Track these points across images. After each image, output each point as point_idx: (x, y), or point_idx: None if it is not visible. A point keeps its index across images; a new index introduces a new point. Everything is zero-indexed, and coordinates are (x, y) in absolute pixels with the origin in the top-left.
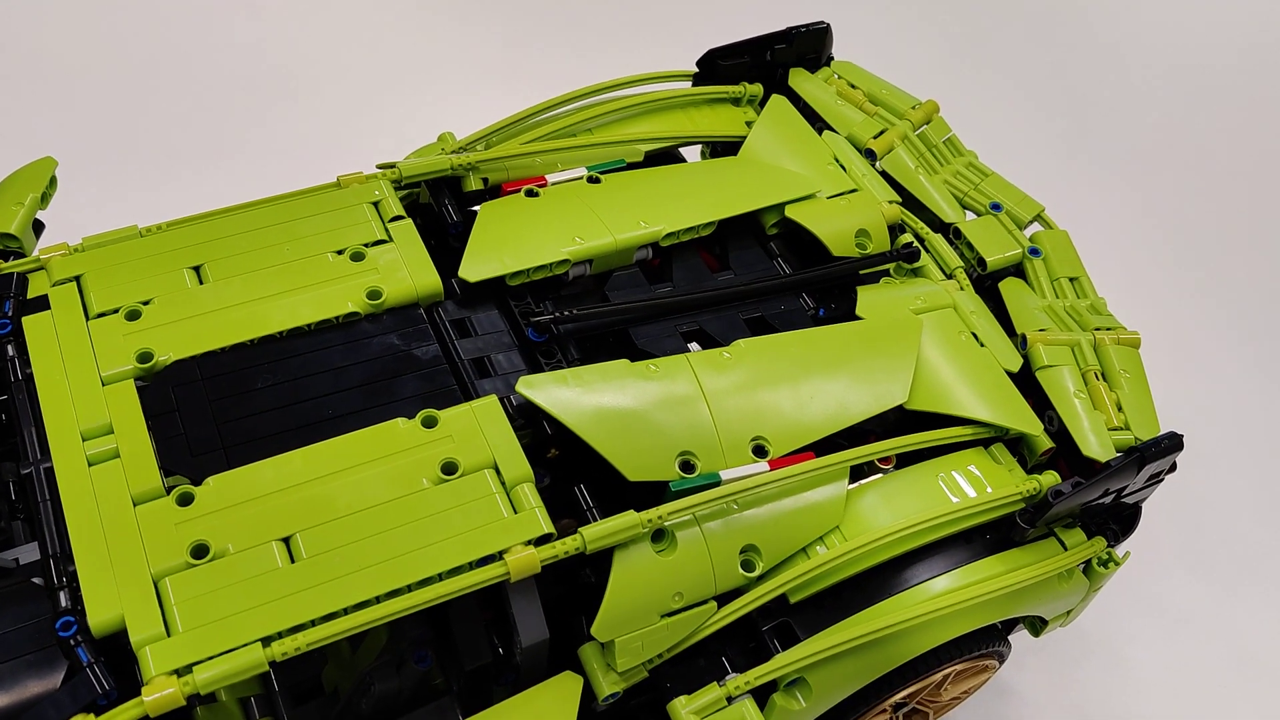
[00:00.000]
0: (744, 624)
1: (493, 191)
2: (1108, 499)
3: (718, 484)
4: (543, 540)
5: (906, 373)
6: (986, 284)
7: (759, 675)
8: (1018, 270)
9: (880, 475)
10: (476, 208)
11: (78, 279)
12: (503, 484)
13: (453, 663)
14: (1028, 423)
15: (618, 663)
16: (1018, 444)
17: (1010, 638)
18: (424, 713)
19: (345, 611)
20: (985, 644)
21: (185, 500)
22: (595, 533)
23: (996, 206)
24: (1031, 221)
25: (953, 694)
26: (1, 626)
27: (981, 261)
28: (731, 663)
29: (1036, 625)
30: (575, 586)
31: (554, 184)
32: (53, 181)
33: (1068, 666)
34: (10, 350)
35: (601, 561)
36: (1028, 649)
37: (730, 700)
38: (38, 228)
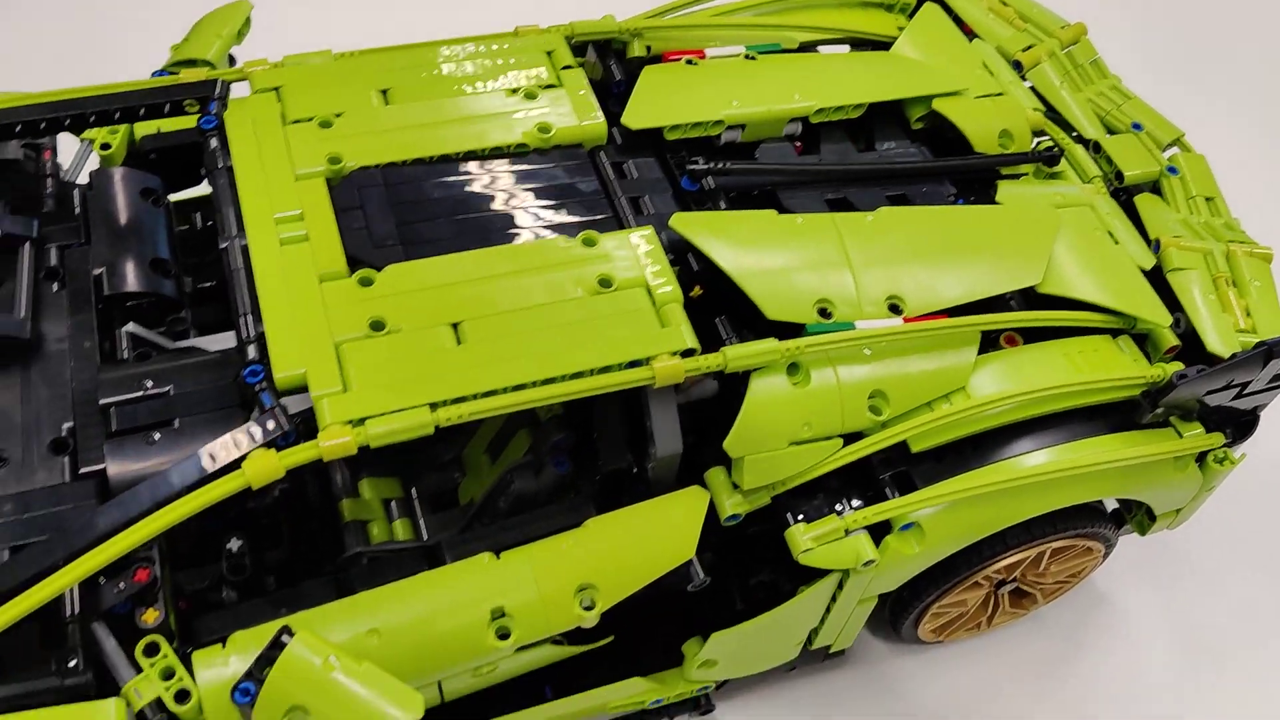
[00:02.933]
0: (863, 471)
1: (654, 59)
2: (1230, 393)
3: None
4: (687, 354)
5: (1042, 256)
6: (1122, 198)
7: (877, 513)
8: (1154, 189)
9: (1006, 350)
10: None
11: (277, 89)
12: (653, 302)
13: (588, 469)
14: (1156, 314)
15: (745, 479)
16: (1143, 342)
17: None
18: (560, 507)
19: (504, 391)
20: (1091, 522)
21: (366, 282)
22: (738, 352)
23: (1137, 126)
24: (1171, 145)
25: (1056, 576)
26: (184, 387)
27: (1119, 175)
28: (849, 504)
29: (1144, 522)
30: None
31: (712, 58)
32: (247, 22)
33: (1168, 586)
34: (214, 143)
35: (734, 388)
36: (1130, 565)
37: (847, 533)
38: (231, 61)
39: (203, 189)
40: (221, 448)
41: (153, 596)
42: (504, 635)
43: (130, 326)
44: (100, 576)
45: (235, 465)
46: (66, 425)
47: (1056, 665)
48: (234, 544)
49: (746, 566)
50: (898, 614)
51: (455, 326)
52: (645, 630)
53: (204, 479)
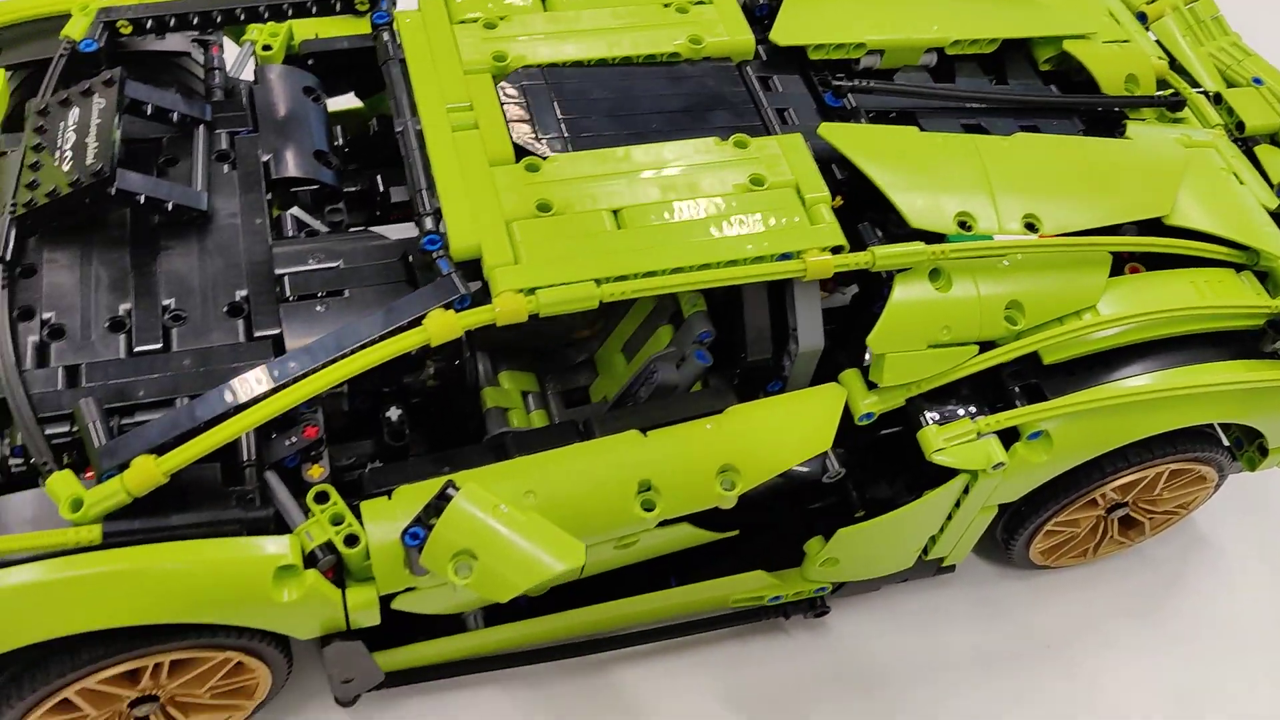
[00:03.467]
0: (993, 382)
1: None
2: None
3: None
4: (836, 251)
5: (1171, 190)
6: (1242, 148)
7: (1009, 418)
8: (1273, 141)
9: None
10: None
11: None
12: (803, 202)
13: (730, 363)
14: None
15: (884, 376)
16: (1264, 280)
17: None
18: (703, 393)
19: (662, 273)
20: (1208, 447)
21: (532, 169)
22: (885, 252)
23: (1258, 81)
24: None
25: (1166, 504)
26: (353, 263)
27: (1240, 125)
28: (980, 411)
29: (1255, 458)
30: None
31: None
32: None
33: (1269, 528)
34: (386, 36)
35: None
36: (1230, 507)
37: (979, 437)
38: None
39: (346, 102)
40: (404, 305)
41: (318, 454)
42: (649, 507)
43: (294, 210)
44: (272, 431)
45: (415, 324)
46: (240, 292)
47: (1159, 601)
48: (393, 413)
49: (872, 472)
50: (1013, 530)
51: (615, 213)
52: (768, 529)
53: (387, 334)
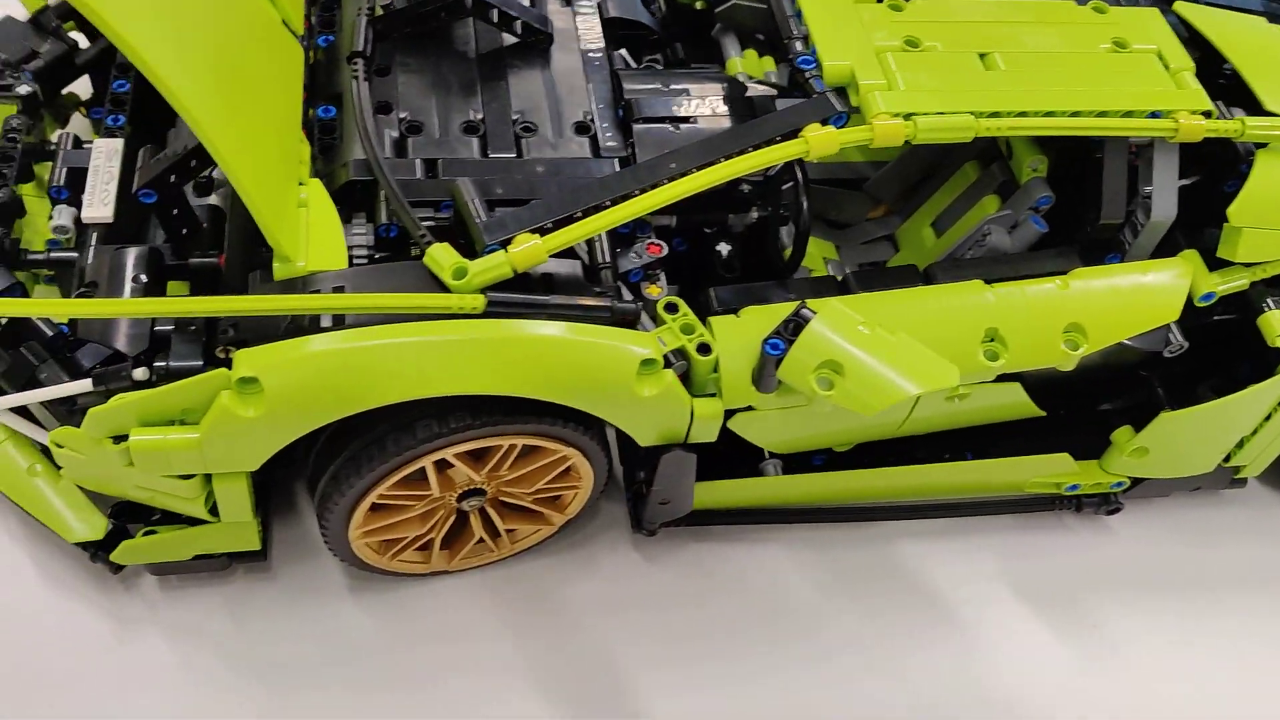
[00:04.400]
0: None
1: None
2: None
3: None
4: (1206, 116)
5: None
6: None
7: None
8: None
9: None
10: None
11: None
12: (1166, 68)
13: (1073, 224)
14: None
15: (1239, 251)
16: None
17: None
18: (1046, 253)
19: (1035, 115)
20: None
21: (896, 8)
22: (1256, 123)
23: None
24: None
25: None
26: (699, 92)
27: None
28: None
29: None
30: None
31: None
32: None
33: None
34: None
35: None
36: None
37: None
38: None
39: None
40: (781, 117)
41: (656, 274)
42: (992, 357)
43: (622, 50)
44: (616, 247)
45: (791, 136)
46: (585, 111)
47: None
48: (724, 248)
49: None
50: None
51: (982, 56)
52: (1069, 418)
53: (765, 142)
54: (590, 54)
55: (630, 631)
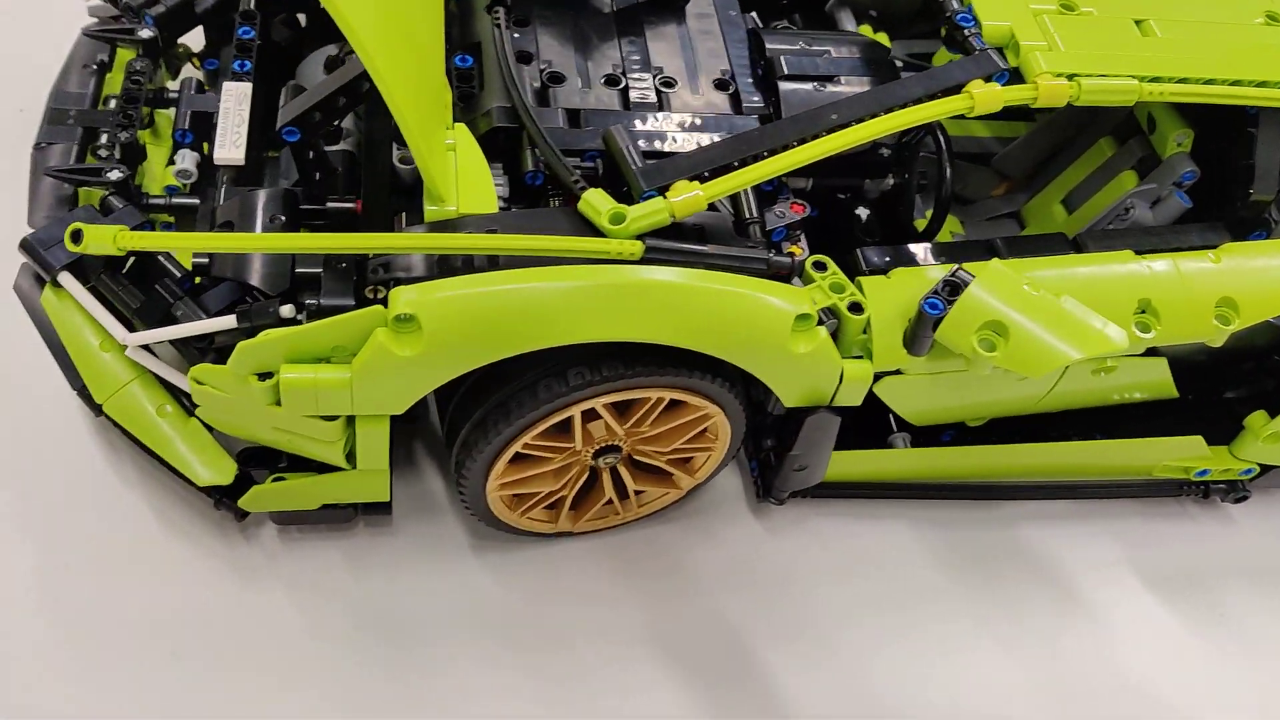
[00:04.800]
0: None
1: None
2: None
3: None
4: None
5: None
6: None
7: None
8: None
9: None
10: None
11: None
12: None
13: (1215, 200)
14: None
15: None
16: None
17: None
18: (1195, 226)
19: (1195, 81)
20: None
21: None
22: None
23: None
24: None
25: None
26: (840, 53)
27: None
28: None
29: None
30: None
31: None
32: None
33: None
34: None
35: None
36: None
37: None
38: None
39: None
40: (944, 72)
41: (798, 234)
42: (1144, 329)
43: (752, 13)
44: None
45: (954, 91)
46: (723, 68)
47: None
48: (863, 212)
49: None
50: None
51: (1138, 23)
52: (1199, 401)
53: (928, 95)
54: (724, 13)
55: (754, 603)
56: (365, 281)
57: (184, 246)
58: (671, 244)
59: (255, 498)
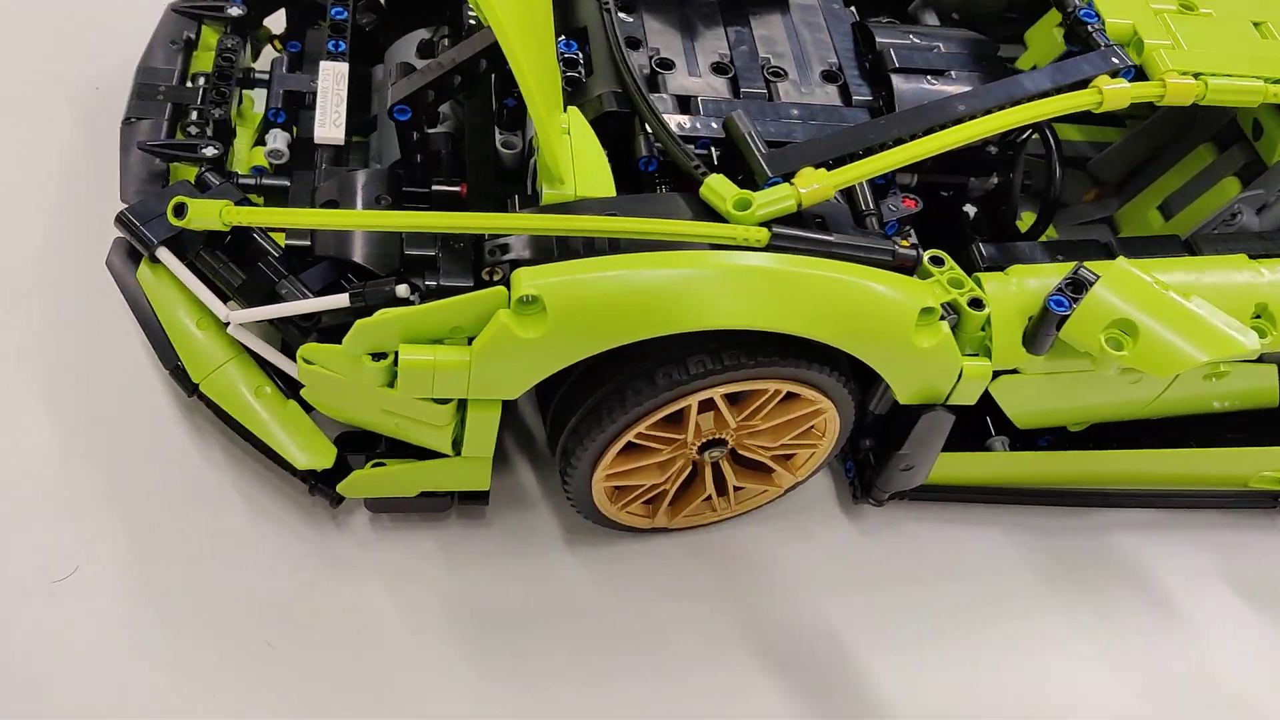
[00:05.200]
0: None
1: None
2: None
3: None
4: None
5: None
6: None
7: None
8: None
9: None
10: None
11: None
12: None
13: None
14: None
15: None
16: None
17: None
18: None
19: None
20: None
21: None
22: None
23: None
24: None
25: None
26: (949, 48)
27: None
28: None
29: None
30: None
31: None
32: None
33: None
34: None
35: None
36: None
37: None
38: None
39: None
40: (1070, 67)
41: (909, 230)
42: (1261, 334)
43: (851, 8)
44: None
45: (1080, 86)
46: (831, 61)
47: None
48: (970, 210)
49: None
50: None
51: (1256, 25)
52: None
53: (1054, 89)
54: (829, 4)
55: (848, 605)
56: (482, 263)
57: (294, 224)
58: (798, 232)
59: (354, 483)
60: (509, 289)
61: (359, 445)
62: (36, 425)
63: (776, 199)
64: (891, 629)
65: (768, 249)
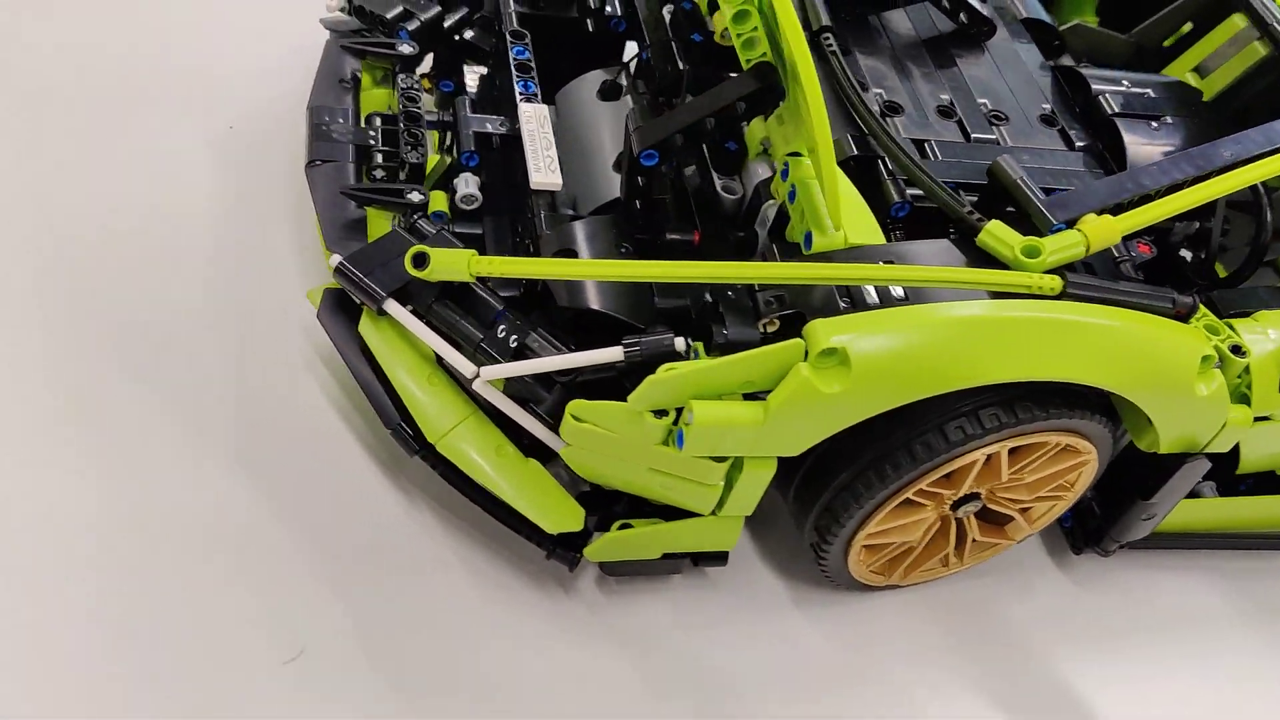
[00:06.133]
0: None
1: None
2: None
3: None
4: None
5: None
6: None
7: None
8: None
9: None
10: None
11: None
12: None
13: None
14: None
15: None
16: None
17: None
18: None
19: None
20: None
21: None
22: None
23: None
24: None
25: None
26: (1160, 93)
27: None
28: None
29: None
30: None
31: None
32: None
33: None
34: None
35: None
36: None
37: None
38: None
39: None
40: None
41: (1138, 276)
42: None
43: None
44: None
45: None
46: (1045, 105)
47: None
48: (1187, 254)
49: None
50: None
51: None
52: None
53: None
54: (1023, 45)
55: (1080, 659)
56: (758, 315)
57: (555, 274)
58: (1091, 280)
59: (602, 546)
60: (805, 342)
61: (594, 507)
62: (235, 495)
63: (1067, 245)
64: (1126, 683)
65: (1060, 297)
